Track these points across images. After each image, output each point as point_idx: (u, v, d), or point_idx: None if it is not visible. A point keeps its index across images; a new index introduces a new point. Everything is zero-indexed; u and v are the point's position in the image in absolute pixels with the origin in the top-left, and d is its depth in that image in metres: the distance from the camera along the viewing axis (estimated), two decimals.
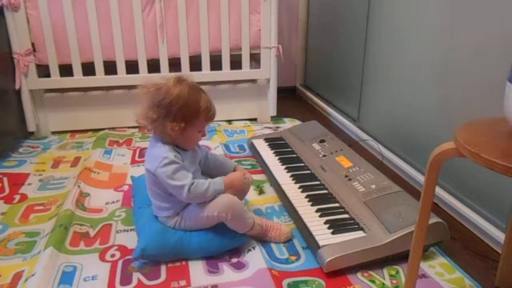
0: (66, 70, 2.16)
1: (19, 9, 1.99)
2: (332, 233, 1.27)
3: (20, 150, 2.04)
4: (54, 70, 2.13)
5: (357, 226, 1.30)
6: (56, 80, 2.15)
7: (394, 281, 1.17)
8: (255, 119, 2.49)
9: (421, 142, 1.72)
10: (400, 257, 1.23)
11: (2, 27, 1.98)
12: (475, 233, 1.42)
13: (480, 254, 1.32)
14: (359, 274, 1.20)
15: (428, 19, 1.62)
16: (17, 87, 2.06)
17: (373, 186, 1.46)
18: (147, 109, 1.22)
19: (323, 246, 1.22)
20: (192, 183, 1.20)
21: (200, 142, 1.37)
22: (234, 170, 1.43)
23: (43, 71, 2.17)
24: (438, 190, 1.57)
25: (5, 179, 1.73)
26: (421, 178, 1.68)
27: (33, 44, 2.09)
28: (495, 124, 0.93)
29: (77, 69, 2.15)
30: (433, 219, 1.23)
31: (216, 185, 1.25)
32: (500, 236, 1.30)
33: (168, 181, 1.19)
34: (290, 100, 2.95)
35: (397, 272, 1.21)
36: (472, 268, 1.24)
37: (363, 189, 1.46)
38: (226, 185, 1.27)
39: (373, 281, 1.17)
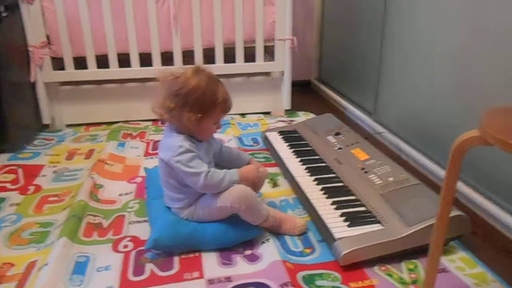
0: (80, 63, 2.16)
1: (34, 1, 1.99)
2: (349, 225, 1.24)
3: (35, 142, 2.05)
4: (68, 62, 2.13)
5: (374, 219, 1.26)
6: (70, 73, 2.15)
7: (413, 275, 1.14)
8: (269, 113, 2.46)
9: (440, 135, 1.67)
10: (419, 251, 1.19)
11: (17, 20, 1.99)
12: (498, 228, 1.37)
13: (504, 249, 1.27)
14: (376, 268, 1.17)
15: (448, 6, 1.57)
16: (32, 79, 2.07)
17: (390, 179, 1.42)
18: (164, 98, 1.20)
19: (339, 238, 1.19)
20: (209, 171, 1.19)
21: (214, 135, 1.35)
22: (249, 164, 1.40)
23: (58, 64, 2.17)
24: (458, 184, 1.52)
25: (20, 170, 1.73)
26: (440, 172, 1.63)
27: (48, 37, 2.09)
28: None
29: (91, 61, 2.15)
30: (454, 212, 1.19)
31: (232, 175, 1.23)
32: None
33: (184, 168, 1.18)
34: (305, 94, 2.91)
35: (416, 266, 1.18)
36: (495, 263, 1.20)
37: (380, 181, 1.42)
38: (240, 177, 1.25)
39: (390, 275, 1.14)
